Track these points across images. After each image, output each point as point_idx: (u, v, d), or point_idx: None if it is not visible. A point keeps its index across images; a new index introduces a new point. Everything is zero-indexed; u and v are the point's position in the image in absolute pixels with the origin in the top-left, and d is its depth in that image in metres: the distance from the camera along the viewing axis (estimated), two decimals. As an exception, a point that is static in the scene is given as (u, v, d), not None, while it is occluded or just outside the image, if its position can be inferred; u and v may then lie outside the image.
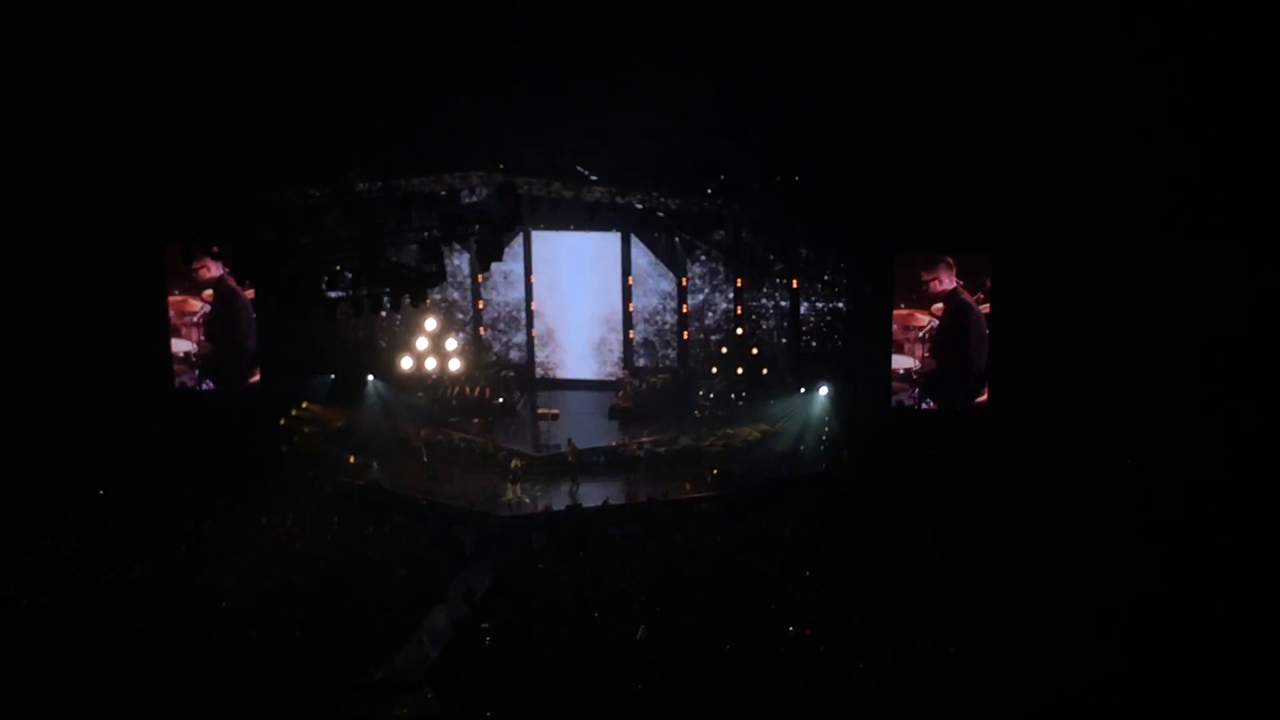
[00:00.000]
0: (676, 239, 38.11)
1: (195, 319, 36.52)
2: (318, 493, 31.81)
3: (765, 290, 38.29)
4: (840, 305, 37.50)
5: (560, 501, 31.92)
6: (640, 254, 39.08)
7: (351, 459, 34.58)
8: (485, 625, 25.02)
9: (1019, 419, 32.86)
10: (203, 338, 36.65)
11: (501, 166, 34.14)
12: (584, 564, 27.15)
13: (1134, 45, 30.65)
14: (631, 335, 39.81)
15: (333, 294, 25.77)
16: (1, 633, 23.80)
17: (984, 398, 34.27)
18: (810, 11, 31.97)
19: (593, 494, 32.17)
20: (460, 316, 40.28)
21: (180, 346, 36.71)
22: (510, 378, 39.65)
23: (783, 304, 38.16)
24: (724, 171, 35.91)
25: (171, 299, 36.46)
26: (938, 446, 32.90)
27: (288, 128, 32.41)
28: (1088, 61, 31.20)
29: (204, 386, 36.93)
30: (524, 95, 34.11)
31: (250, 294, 36.09)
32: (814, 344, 37.84)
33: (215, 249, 26.49)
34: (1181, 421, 30.87)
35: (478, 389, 38.79)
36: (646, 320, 39.82)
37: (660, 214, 36.07)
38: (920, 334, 34.48)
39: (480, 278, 39.74)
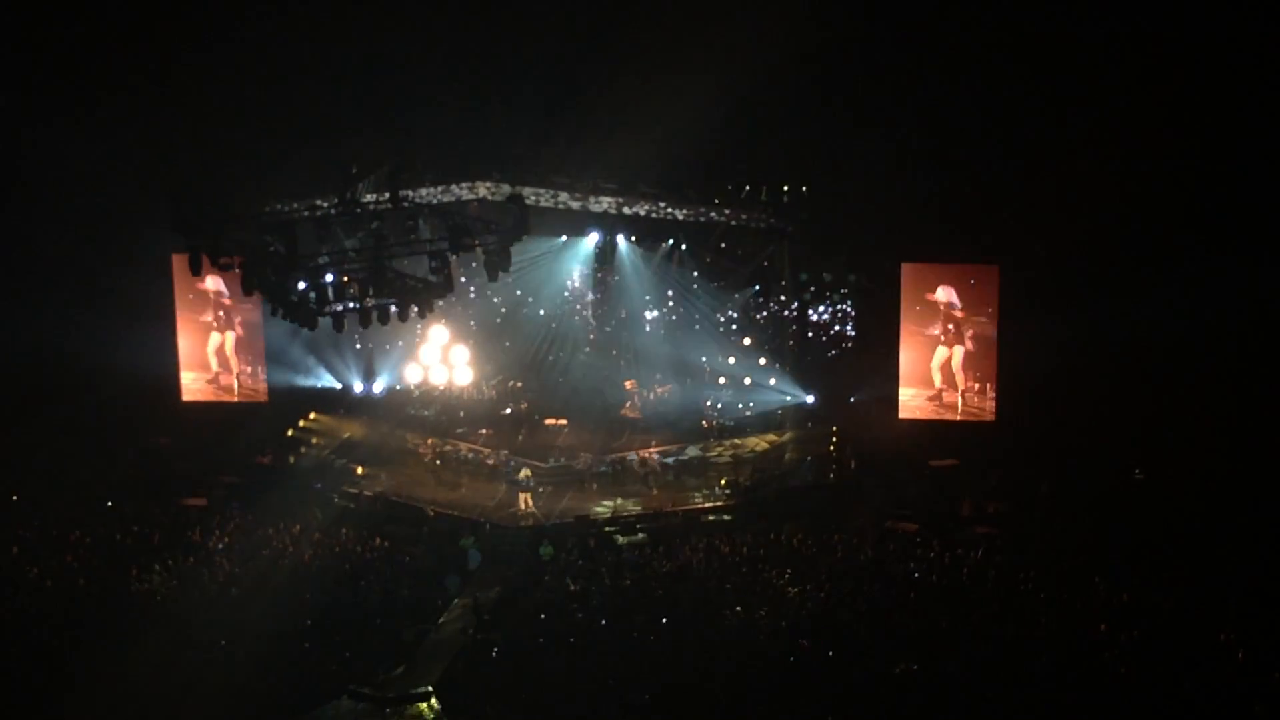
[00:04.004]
0: (682, 248, 38.13)
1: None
2: (325, 504, 31.82)
3: (772, 299, 38.29)
4: (849, 313, 37.48)
5: (568, 511, 31.88)
6: (647, 262, 39.05)
7: (359, 470, 34.59)
8: (493, 636, 24.99)
9: (1028, 428, 32.82)
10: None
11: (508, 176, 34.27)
12: (592, 575, 27.12)
13: (1140, 54, 30.70)
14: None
15: (340, 305, 25.78)
16: (10, 643, 23.82)
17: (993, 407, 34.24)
18: (817, 20, 32.00)
19: (601, 505, 32.16)
20: (470, 325, 40.25)
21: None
22: (518, 388, 39.66)
23: (791, 312, 38.16)
24: (730, 181, 35.93)
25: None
26: (946, 456, 32.84)
27: (296, 138, 32.48)
28: (1094, 73, 31.27)
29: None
30: (531, 105, 34.16)
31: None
32: (824, 353, 37.83)
33: (223, 260, 26.47)
34: (1192, 431, 30.83)
35: (485, 398, 38.98)
36: (655, 329, 39.83)
37: (666, 223, 36.11)
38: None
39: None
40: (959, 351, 34.18)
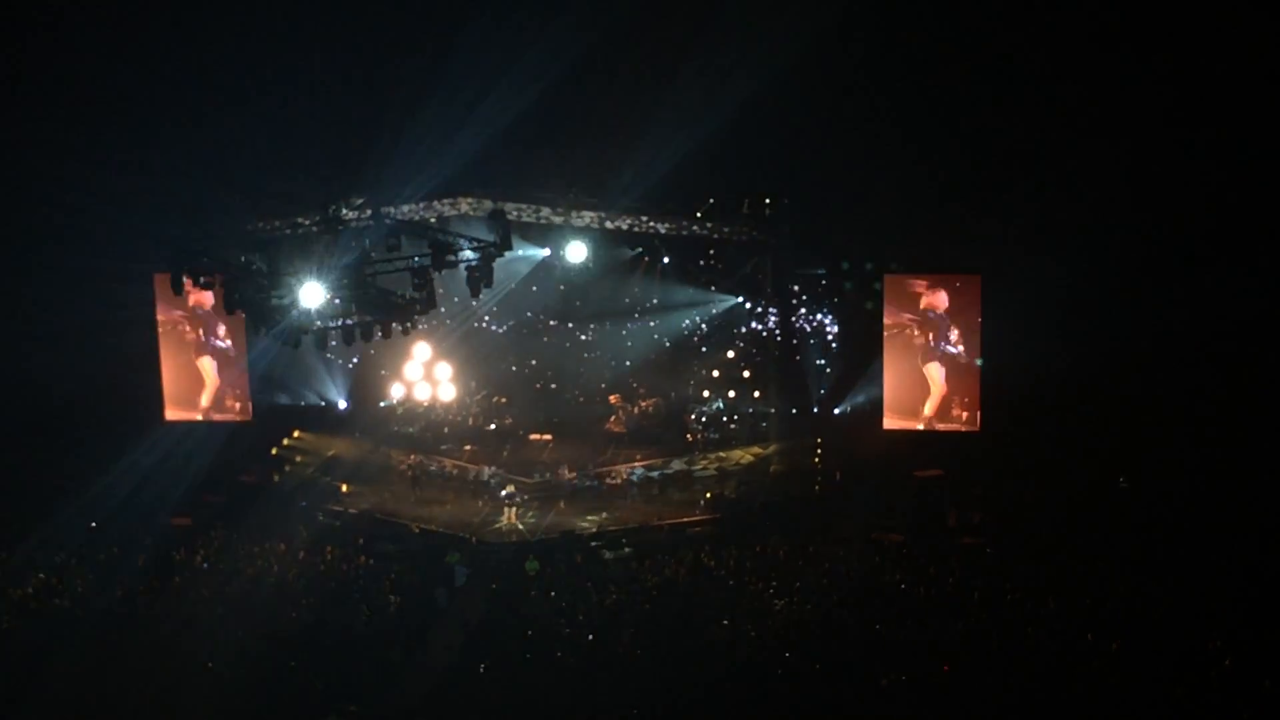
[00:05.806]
0: (665, 261, 38.15)
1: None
2: (310, 522, 31.73)
3: (756, 311, 38.32)
4: (831, 325, 37.52)
5: (554, 527, 31.83)
6: (628, 273, 39.02)
7: (344, 487, 34.51)
8: (480, 653, 24.93)
9: (1012, 438, 32.87)
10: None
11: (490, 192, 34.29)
12: (578, 590, 27.07)
13: (1128, 64, 30.87)
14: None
15: (322, 323, 25.78)
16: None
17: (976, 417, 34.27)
18: (799, 33, 32.11)
19: (586, 519, 32.13)
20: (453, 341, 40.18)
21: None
22: (502, 403, 39.61)
23: (773, 325, 38.19)
24: (713, 194, 35.96)
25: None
26: (931, 466, 32.88)
27: (277, 156, 32.45)
28: (1079, 82, 31.42)
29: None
30: (513, 120, 34.17)
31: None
32: (807, 364, 37.85)
33: (205, 279, 26.48)
34: (1176, 439, 30.94)
35: (470, 415, 38.90)
36: (640, 344, 39.85)
37: (649, 237, 36.15)
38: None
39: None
40: (942, 361, 34.18)
